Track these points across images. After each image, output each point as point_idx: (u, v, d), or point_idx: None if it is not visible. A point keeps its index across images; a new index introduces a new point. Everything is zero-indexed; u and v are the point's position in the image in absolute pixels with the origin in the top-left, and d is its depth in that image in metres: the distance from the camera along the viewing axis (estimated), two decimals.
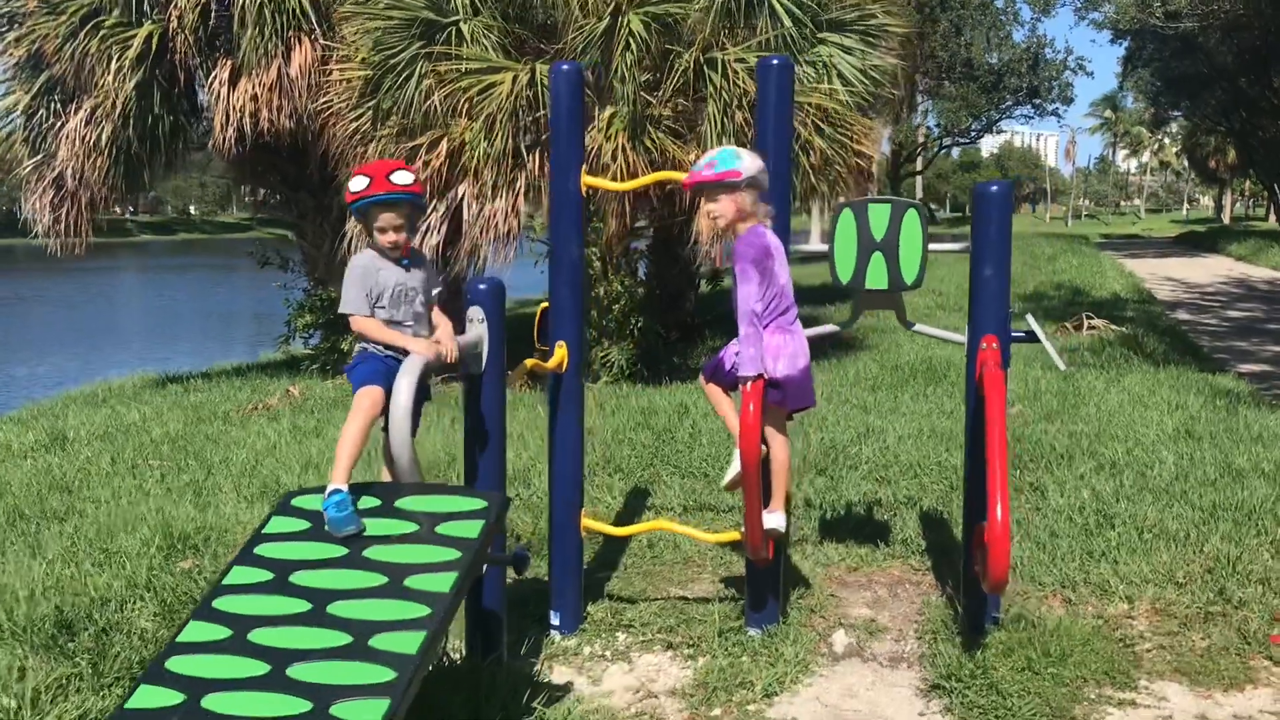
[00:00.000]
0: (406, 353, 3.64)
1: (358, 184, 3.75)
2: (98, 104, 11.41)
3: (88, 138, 11.56)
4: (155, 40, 11.23)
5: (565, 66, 4.73)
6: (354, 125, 10.71)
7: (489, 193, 9.90)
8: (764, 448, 4.27)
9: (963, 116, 51.19)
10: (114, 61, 11.11)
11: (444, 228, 10.30)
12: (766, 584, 4.75)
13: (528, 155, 10.08)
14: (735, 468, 4.28)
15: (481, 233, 9.98)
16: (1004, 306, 4.45)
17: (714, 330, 13.86)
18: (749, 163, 4.22)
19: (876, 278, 4.54)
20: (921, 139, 56.15)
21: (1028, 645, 4.46)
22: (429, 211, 10.30)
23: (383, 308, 3.77)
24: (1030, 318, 4.64)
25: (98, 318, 31.15)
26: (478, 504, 3.41)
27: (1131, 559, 5.43)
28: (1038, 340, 4.49)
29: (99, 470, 8.00)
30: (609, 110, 10.03)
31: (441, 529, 3.29)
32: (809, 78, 10.89)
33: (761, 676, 4.42)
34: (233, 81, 11.52)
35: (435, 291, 3.95)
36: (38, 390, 16.43)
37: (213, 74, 11.55)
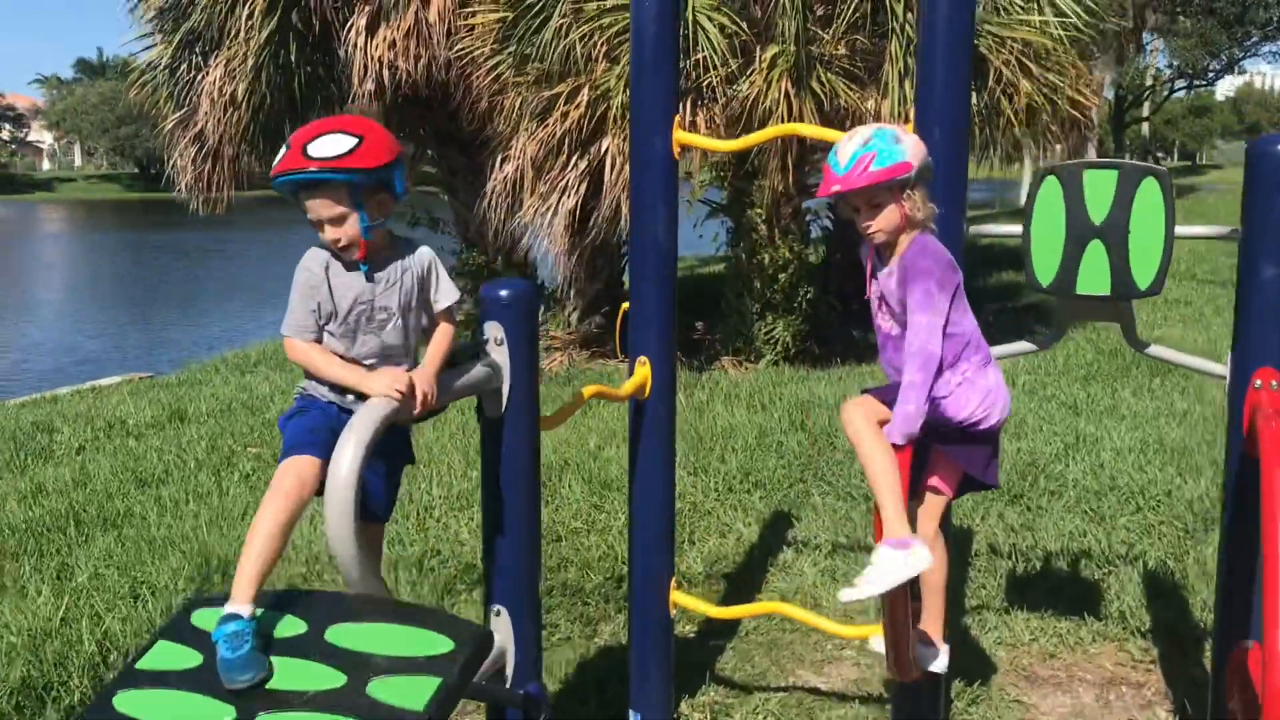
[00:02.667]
0: (363, 397, 2.47)
1: (279, 155, 2.57)
2: (231, 56, 10.75)
3: (225, 91, 10.93)
4: None
5: None
6: (492, 73, 9.65)
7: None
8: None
9: (1199, 55, 46.44)
10: (244, 8, 10.39)
11: (583, 187, 9.14)
12: (922, 702, 3.41)
13: (677, 104, 8.75)
14: (876, 583, 2.78)
15: (624, 194, 8.76)
16: None
17: None
18: (914, 146, 2.82)
19: (1093, 279, 3.09)
20: (1150, 81, 51.44)
21: None
22: (565, 169, 9.16)
23: (333, 334, 2.59)
24: None
25: (280, 275, 31.46)
26: (441, 645, 2.23)
27: None
28: None
29: (192, 458, 7.27)
30: (771, 50, 8.60)
31: (375, 689, 2.13)
32: (1015, 8, 9.17)
33: None
34: (370, 30, 10.64)
35: (443, 306, 2.72)
36: (204, 351, 16.29)
37: (350, 22, 10.69)
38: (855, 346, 10.97)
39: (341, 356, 2.59)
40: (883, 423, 2.86)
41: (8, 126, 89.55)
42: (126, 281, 29.31)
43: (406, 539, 5.42)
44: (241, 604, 2.28)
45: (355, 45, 10.66)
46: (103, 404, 10.10)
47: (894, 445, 2.76)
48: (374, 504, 2.72)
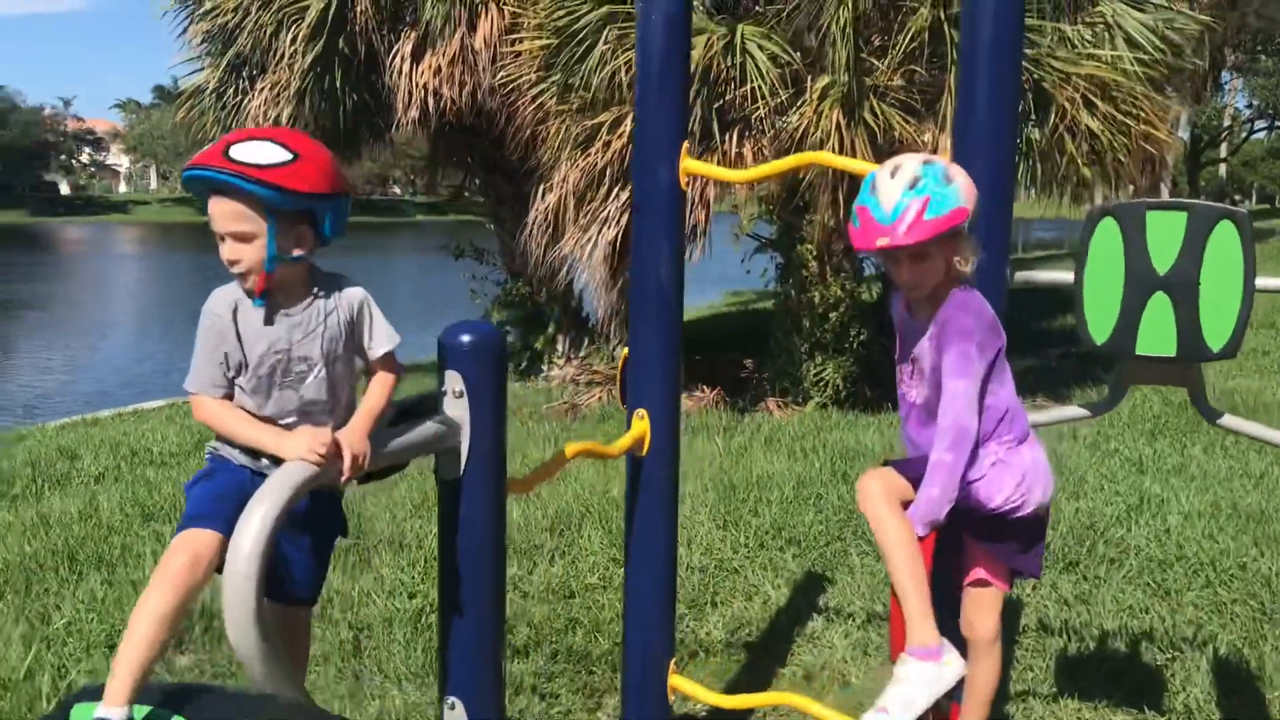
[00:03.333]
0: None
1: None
2: (276, 81, 10.63)
3: (269, 116, 10.80)
4: (332, 12, 10.27)
5: None
6: (535, 101, 9.39)
7: None
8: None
9: None
10: (288, 33, 10.26)
11: (624, 219, 8.80)
12: None
13: (721, 136, 8.42)
14: (904, 708, 2.37)
15: None
16: None
17: None
18: (965, 186, 2.42)
19: (1156, 338, 2.66)
20: (1228, 121, 50.12)
21: None
22: (607, 199, 8.84)
23: (244, 389, 2.25)
24: None
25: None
26: None
27: None
28: None
29: None
30: (823, 80, 8.22)
31: None
32: (1082, 41, 8.71)
33: None
34: (415, 56, 10.46)
35: (379, 353, 2.37)
36: None
37: (394, 49, 10.52)
38: None
39: (254, 415, 2.24)
40: (906, 503, 2.45)
41: (88, 150, 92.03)
42: (184, 303, 29.57)
43: (409, 589, 5.07)
44: (116, 705, 1.94)
45: (400, 72, 10.49)
46: (136, 429, 9.93)
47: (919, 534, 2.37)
48: (295, 585, 2.37)
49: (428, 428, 2.37)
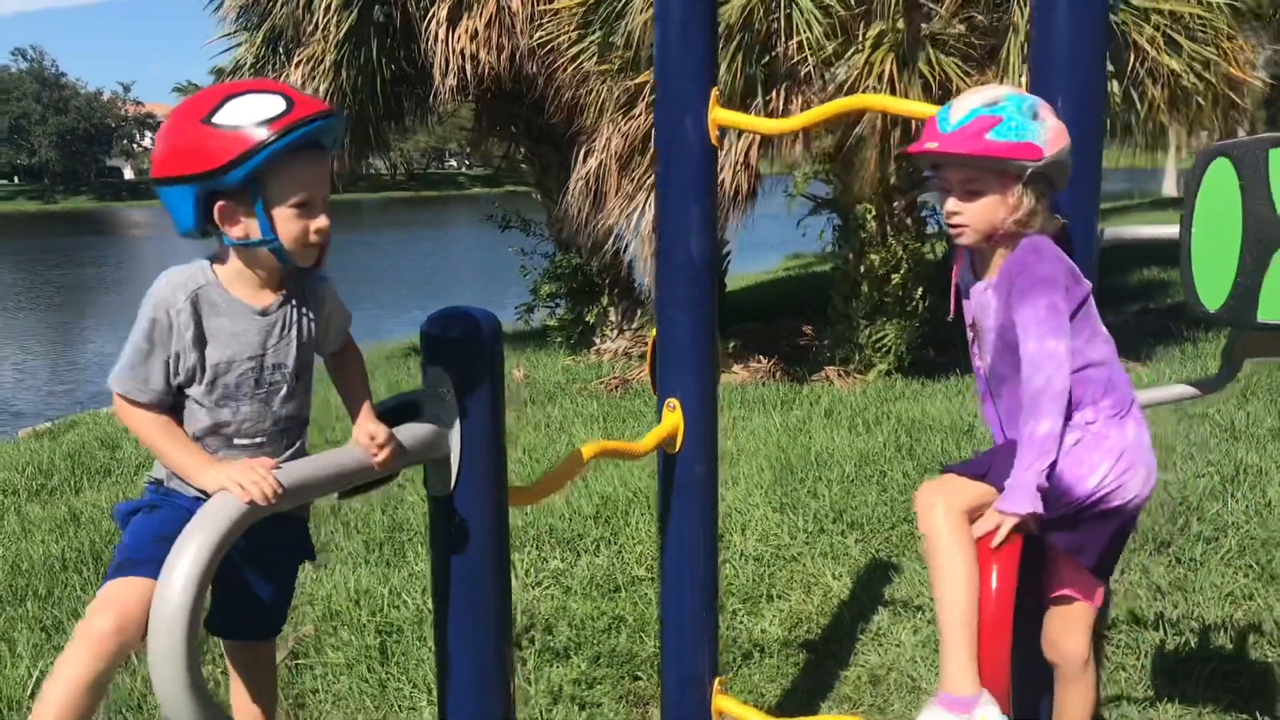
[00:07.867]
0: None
1: (267, 109, 1.76)
2: (312, 55, 10.32)
3: (307, 90, 10.50)
4: None
5: None
6: (575, 62, 8.98)
7: None
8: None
9: None
10: (322, 2, 9.93)
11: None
12: None
13: (764, 91, 7.93)
14: None
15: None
16: None
17: None
18: (1054, 132, 2.06)
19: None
20: None
21: None
22: (653, 164, 8.41)
23: (200, 403, 1.88)
24: None
25: (424, 270, 31.06)
26: None
27: None
28: None
29: None
30: (875, 27, 7.70)
31: None
32: None
33: None
34: (452, 21, 10.08)
35: (345, 330, 2.05)
36: None
37: (430, 14, 10.15)
38: None
39: (216, 431, 1.90)
40: (977, 512, 2.05)
41: (149, 134, 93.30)
42: None
43: None
44: None
45: (436, 38, 10.12)
46: None
47: (1013, 515, 1.98)
48: (256, 620, 2.03)
49: (422, 432, 2.00)
